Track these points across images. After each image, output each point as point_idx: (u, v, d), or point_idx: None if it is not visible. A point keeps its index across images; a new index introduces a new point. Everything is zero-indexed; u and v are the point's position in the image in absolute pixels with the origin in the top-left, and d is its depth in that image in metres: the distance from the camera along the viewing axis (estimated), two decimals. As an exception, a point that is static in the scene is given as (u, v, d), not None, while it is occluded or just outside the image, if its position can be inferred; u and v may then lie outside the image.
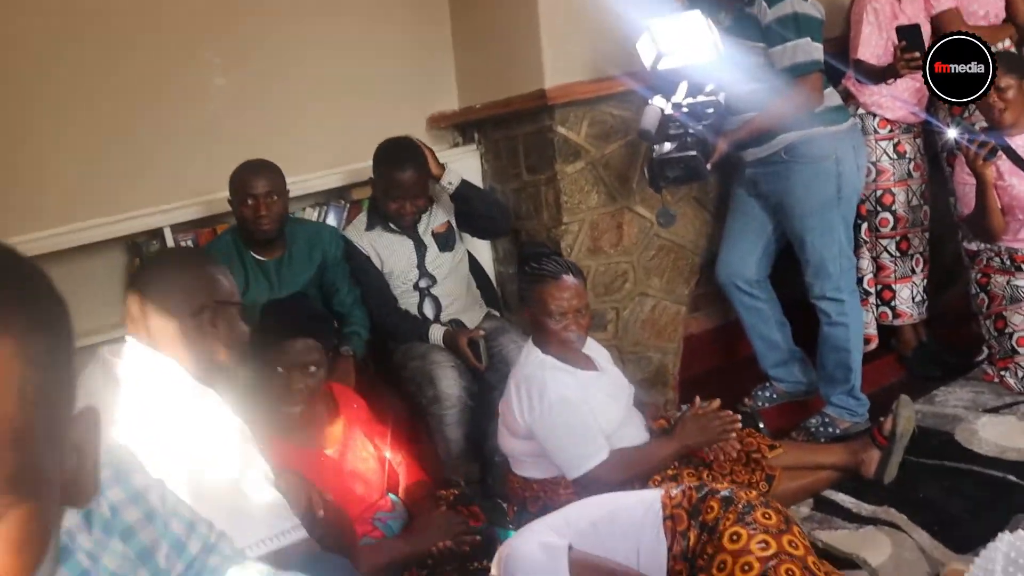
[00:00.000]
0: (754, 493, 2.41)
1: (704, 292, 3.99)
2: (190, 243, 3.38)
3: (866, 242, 3.97)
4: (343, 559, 2.00)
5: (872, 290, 4.01)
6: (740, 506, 2.31)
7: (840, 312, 3.45)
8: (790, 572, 2.15)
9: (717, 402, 2.86)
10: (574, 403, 2.75)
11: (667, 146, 3.10)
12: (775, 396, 3.79)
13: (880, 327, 4.09)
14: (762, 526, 2.25)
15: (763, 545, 2.19)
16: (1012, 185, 3.64)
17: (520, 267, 2.96)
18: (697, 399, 2.91)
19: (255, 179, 3.09)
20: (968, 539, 2.67)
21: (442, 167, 3.40)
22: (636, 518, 2.37)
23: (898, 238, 3.97)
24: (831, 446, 3.29)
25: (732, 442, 2.88)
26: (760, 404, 3.76)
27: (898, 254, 3.98)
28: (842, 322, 3.45)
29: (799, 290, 3.55)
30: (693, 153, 3.06)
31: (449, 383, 3.20)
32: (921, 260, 4.03)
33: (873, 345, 3.95)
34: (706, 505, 2.36)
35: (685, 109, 3.08)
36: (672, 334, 3.81)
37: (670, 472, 2.86)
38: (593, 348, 3.05)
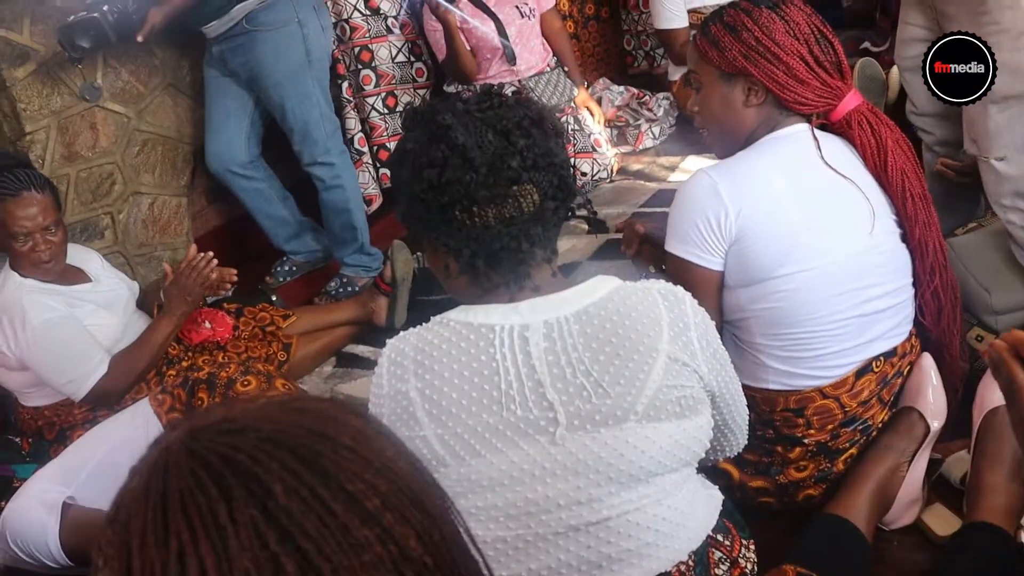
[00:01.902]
0: (233, 366, 2.46)
1: (217, 183, 3.88)
2: None
3: (350, 101, 4.01)
4: None
5: (364, 149, 4.06)
6: (222, 386, 2.37)
7: (333, 175, 3.49)
8: None
9: (191, 250, 2.81)
10: (61, 324, 2.59)
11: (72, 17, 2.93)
12: (294, 269, 3.81)
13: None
14: (243, 394, 2.33)
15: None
16: (476, 27, 3.85)
17: None
18: (166, 266, 2.87)
19: None
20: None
21: None
22: (137, 443, 2.30)
23: (384, 95, 4.05)
24: (342, 303, 3.38)
25: (219, 277, 2.80)
26: (281, 280, 3.77)
27: (386, 111, 4.05)
28: (337, 184, 3.50)
29: (295, 161, 3.56)
30: (94, 15, 2.89)
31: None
32: None
33: (376, 205, 4.02)
34: (196, 399, 2.38)
35: None
36: (179, 228, 3.70)
37: (185, 364, 2.82)
38: (82, 257, 2.88)
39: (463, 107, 1.42)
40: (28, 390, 2.71)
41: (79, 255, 2.87)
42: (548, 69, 4.00)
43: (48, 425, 2.73)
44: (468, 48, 3.87)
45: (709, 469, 1.72)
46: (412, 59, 4.12)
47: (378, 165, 4.09)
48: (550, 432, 1.37)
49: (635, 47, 5.19)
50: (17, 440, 2.81)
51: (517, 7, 3.88)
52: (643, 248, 2.26)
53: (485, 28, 3.85)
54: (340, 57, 3.93)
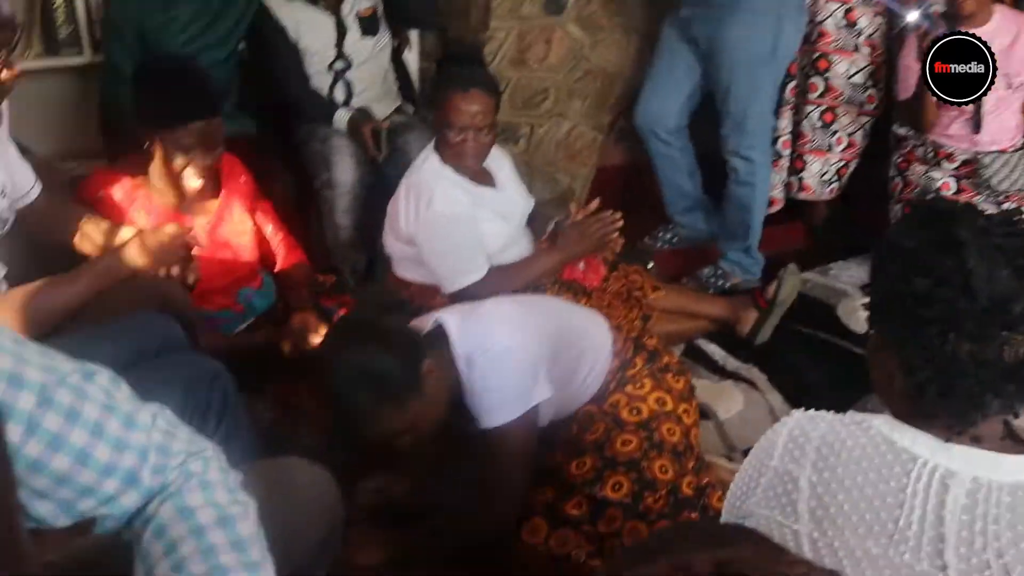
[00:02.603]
0: (676, 358, 2.56)
1: (629, 125, 3.88)
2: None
3: (789, 103, 3.84)
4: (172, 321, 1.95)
5: (784, 153, 3.88)
6: (658, 364, 2.46)
7: (749, 172, 3.40)
8: (671, 431, 2.30)
9: (595, 203, 2.80)
10: (460, 219, 2.65)
11: None
12: (675, 240, 3.78)
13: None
14: (667, 386, 2.39)
15: (660, 401, 2.34)
16: (951, 86, 3.54)
17: (438, 67, 2.83)
18: (572, 206, 2.86)
19: None
20: (818, 408, 2.73)
21: None
22: (596, 341, 2.41)
23: (823, 107, 3.82)
24: (713, 297, 3.31)
25: (615, 239, 2.80)
26: (659, 245, 3.75)
27: (819, 124, 3.83)
28: (749, 182, 3.41)
29: (714, 140, 3.48)
30: None
31: (344, 169, 3.14)
32: (844, 140, 3.86)
33: (776, 207, 3.87)
34: (632, 361, 2.45)
35: None
36: (586, 160, 3.73)
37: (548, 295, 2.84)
38: (496, 161, 2.92)
39: (984, 224, 1.26)
40: (405, 261, 2.82)
41: (494, 157, 2.92)
42: (1011, 149, 3.64)
43: (408, 299, 2.83)
44: (937, 99, 3.58)
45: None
46: (867, 84, 3.87)
47: (791, 172, 3.92)
48: None
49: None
50: (377, 300, 2.95)
51: (1007, 75, 3.53)
52: None
53: (964, 82, 3.55)
54: (796, 57, 3.75)
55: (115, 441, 1.11)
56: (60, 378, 1.08)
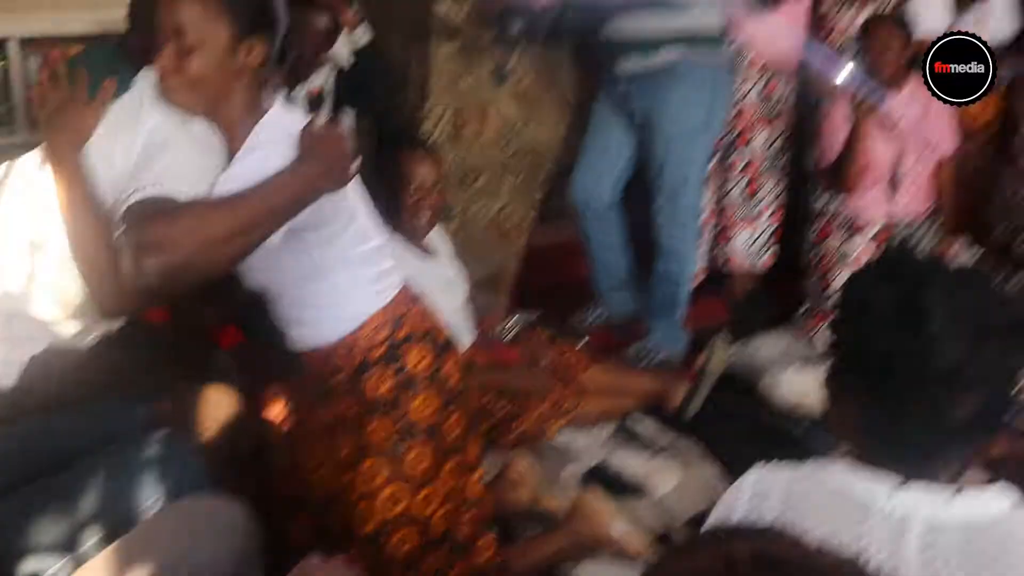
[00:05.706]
0: None
1: (560, 203, 3.88)
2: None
3: (710, 177, 3.86)
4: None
5: (708, 226, 3.96)
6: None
7: (679, 246, 3.48)
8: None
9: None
10: None
11: None
12: (604, 317, 3.81)
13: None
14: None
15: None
16: (875, 148, 3.60)
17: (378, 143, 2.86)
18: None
19: None
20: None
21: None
22: None
23: (747, 179, 3.94)
24: (640, 373, 3.35)
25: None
26: (589, 322, 3.78)
27: (743, 197, 3.95)
28: (679, 256, 3.49)
29: (640, 214, 3.54)
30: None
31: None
32: (770, 208, 3.99)
33: (697, 281, 3.89)
34: None
35: None
36: (516, 239, 3.74)
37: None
38: (435, 235, 2.95)
39: (951, 285, 1.26)
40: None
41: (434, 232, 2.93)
42: (923, 218, 3.75)
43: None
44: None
45: None
46: (786, 149, 3.96)
47: (715, 246, 4.04)
48: None
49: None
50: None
51: (918, 144, 3.63)
52: None
53: (884, 152, 3.61)
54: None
55: None
56: None
